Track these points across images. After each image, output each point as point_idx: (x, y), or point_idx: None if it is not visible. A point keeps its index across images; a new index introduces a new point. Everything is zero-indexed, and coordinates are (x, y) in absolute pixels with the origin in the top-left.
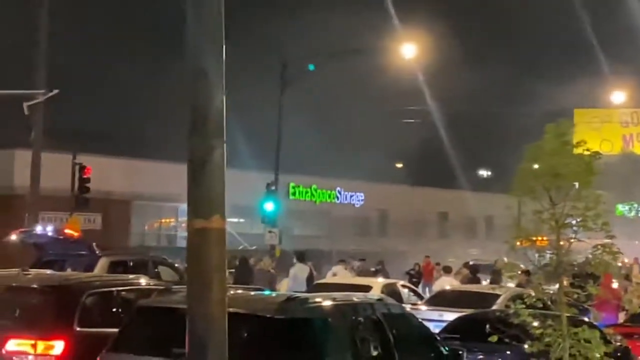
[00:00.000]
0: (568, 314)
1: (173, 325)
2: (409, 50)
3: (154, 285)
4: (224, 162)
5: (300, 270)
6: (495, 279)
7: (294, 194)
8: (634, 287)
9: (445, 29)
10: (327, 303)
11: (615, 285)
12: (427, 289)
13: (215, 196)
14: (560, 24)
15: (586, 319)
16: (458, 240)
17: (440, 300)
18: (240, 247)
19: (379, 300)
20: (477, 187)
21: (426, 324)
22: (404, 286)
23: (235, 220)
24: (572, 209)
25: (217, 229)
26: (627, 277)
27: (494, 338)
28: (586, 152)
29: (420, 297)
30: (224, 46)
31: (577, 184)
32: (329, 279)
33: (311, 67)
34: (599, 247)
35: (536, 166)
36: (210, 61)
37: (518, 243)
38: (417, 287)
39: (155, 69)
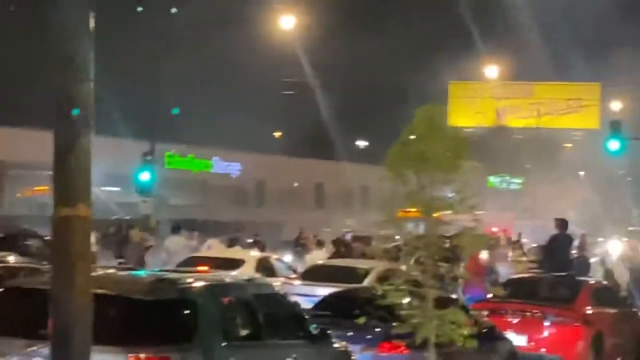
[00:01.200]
0: (436, 295)
1: (40, 306)
2: (288, 21)
3: (23, 263)
4: (90, 149)
5: (173, 242)
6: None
7: (170, 163)
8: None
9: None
10: (198, 284)
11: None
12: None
13: (81, 184)
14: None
15: (454, 297)
16: (334, 211)
17: (313, 275)
18: (115, 217)
19: (250, 280)
20: (354, 158)
21: (299, 299)
22: (278, 260)
23: (110, 188)
24: (441, 191)
25: (82, 217)
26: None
27: (361, 319)
28: (455, 134)
29: (294, 271)
30: (93, 29)
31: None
32: (203, 252)
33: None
34: (466, 230)
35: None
36: (78, 46)
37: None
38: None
39: (28, 32)
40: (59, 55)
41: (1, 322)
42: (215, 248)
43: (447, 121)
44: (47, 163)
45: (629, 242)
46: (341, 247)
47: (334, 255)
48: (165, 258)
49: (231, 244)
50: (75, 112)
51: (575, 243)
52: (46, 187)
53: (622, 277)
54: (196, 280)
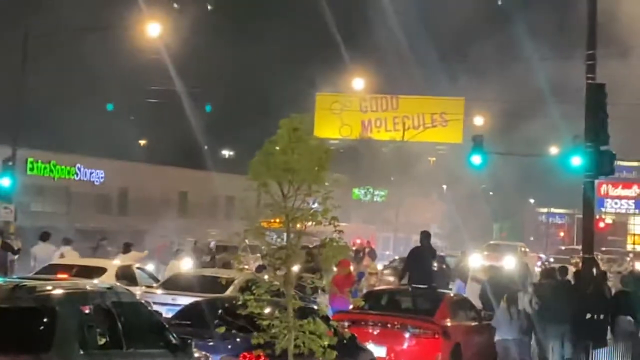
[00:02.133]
0: (297, 305)
1: None
2: (155, 28)
3: None
4: None
5: (41, 250)
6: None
7: (32, 169)
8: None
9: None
10: (56, 292)
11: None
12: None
13: None
14: (307, 8)
15: (315, 307)
16: (198, 220)
17: (175, 284)
18: None
19: (110, 288)
20: (219, 168)
21: (160, 308)
22: (139, 268)
23: None
24: (303, 202)
25: None
26: (358, 259)
27: (221, 329)
28: (321, 147)
29: (155, 279)
30: None
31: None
32: (59, 259)
33: None
34: (327, 241)
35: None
36: None
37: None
38: None
39: None
40: None
41: None
42: (68, 255)
43: (314, 132)
44: None
45: (489, 255)
46: (202, 256)
47: (199, 265)
48: (33, 265)
49: (125, 250)
50: None
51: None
52: None
53: (474, 291)
54: (55, 287)
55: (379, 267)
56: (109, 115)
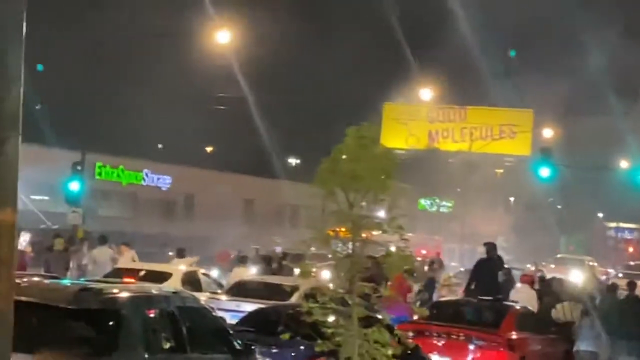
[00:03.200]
0: (361, 314)
1: None
2: (223, 36)
3: None
4: (17, 154)
5: (101, 254)
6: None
7: (100, 174)
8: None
9: (262, 14)
10: (122, 295)
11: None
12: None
13: (6, 188)
14: (376, 18)
15: (380, 317)
16: (263, 227)
17: (239, 290)
18: (43, 226)
19: (175, 293)
20: (285, 175)
21: (224, 314)
22: (204, 274)
23: (39, 197)
24: (369, 211)
25: (7, 222)
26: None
27: (285, 336)
28: (387, 156)
29: (220, 285)
30: (24, 27)
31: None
32: (128, 263)
33: None
34: (392, 251)
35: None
36: (7, 45)
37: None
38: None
39: None
40: None
41: None
42: (126, 255)
43: (380, 142)
44: None
45: (556, 269)
46: (271, 264)
47: (263, 272)
48: (92, 269)
49: (179, 255)
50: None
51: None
52: None
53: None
54: (121, 290)
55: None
56: (177, 121)
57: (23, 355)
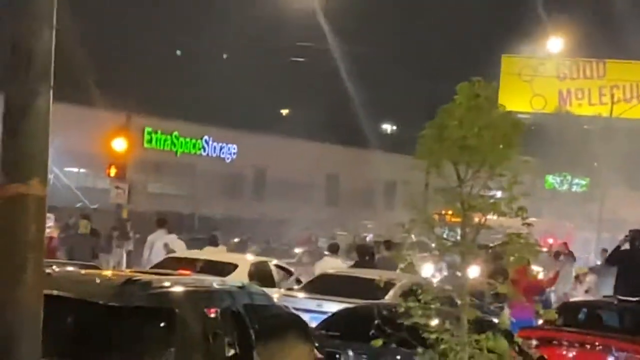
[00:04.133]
0: (473, 316)
1: None
2: None
3: None
4: (49, 112)
5: (159, 239)
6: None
7: (150, 141)
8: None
9: None
10: (176, 289)
11: (540, 275)
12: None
13: (35, 155)
14: None
15: (495, 321)
16: (350, 209)
17: (320, 286)
18: (79, 205)
19: (241, 287)
20: (378, 145)
21: (302, 315)
22: (277, 266)
23: (75, 170)
24: (484, 188)
25: (35, 196)
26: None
27: (377, 342)
28: (507, 120)
29: (296, 280)
30: None
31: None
32: (182, 252)
33: None
34: (513, 237)
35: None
36: None
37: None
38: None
39: None
40: None
41: None
42: (175, 247)
43: (497, 103)
44: None
45: None
46: (365, 255)
47: (357, 265)
48: (146, 258)
49: (211, 243)
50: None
51: None
52: None
53: None
54: (174, 284)
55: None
56: (244, 77)
57: None
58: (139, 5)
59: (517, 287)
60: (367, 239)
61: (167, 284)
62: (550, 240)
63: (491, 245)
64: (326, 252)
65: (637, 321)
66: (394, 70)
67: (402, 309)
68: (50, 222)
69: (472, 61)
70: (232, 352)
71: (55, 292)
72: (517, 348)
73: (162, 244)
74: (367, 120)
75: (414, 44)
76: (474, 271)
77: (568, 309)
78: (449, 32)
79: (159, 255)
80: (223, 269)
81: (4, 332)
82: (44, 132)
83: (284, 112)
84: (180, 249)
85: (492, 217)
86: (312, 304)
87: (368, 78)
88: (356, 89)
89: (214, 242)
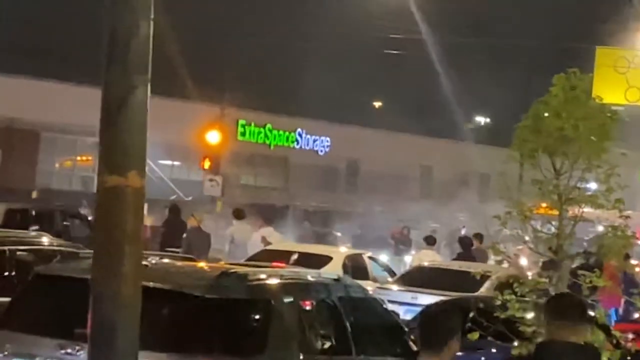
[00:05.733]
0: None
1: (77, 300)
2: None
3: (58, 246)
4: (147, 104)
5: (239, 231)
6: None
7: (243, 134)
8: None
9: None
10: (272, 281)
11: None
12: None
13: (134, 147)
14: None
15: (592, 314)
16: (444, 201)
17: (415, 279)
18: (173, 197)
19: (337, 280)
20: (472, 137)
21: (397, 307)
22: (371, 258)
23: (169, 163)
24: (581, 180)
25: (133, 188)
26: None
27: (474, 335)
28: (604, 112)
29: (391, 272)
30: None
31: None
32: (277, 245)
33: None
34: (610, 229)
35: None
36: None
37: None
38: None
39: None
40: None
41: (29, 317)
42: (272, 239)
43: (592, 94)
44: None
45: None
46: (465, 247)
47: (458, 258)
48: (228, 250)
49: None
50: None
51: None
52: (90, 157)
53: None
54: (270, 276)
55: None
56: (337, 69)
57: (149, 352)
58: None
59: (614, 280)
60: (462, 231)
61: (262, 276)
62: None
63: (586, 238)
64: (422, 244)
65: None
66: (488, 61)
67: (498, 302)
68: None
69: (566, 53)
70: (328, 343)
71: (151, 284)
72: (614, 341)
73: (246, 236)
74: (461, 111)
75: (507, 35)
76: (570, 264)
77: None
78: (544, 22)
79: (243, 248)
80: (317, 261)
81: (103, 325)
82: (142, 124)
83: (377, 104)
84: (277, 241)
85: (588, 210)
86: (407, 297)
87: (461, 69)
88: (449, 81)
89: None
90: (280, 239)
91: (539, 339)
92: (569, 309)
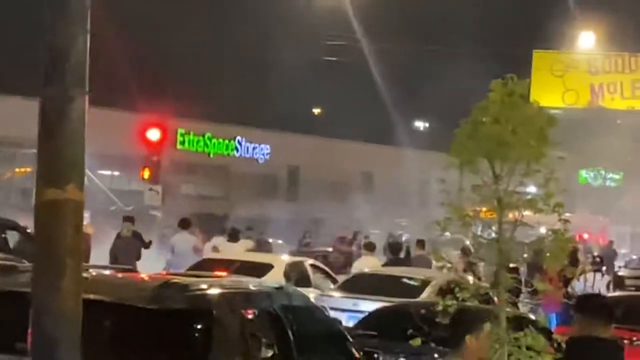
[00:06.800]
0: (511, 314)
1: (17, 314)
2: None
3: None
4: (84, 116)
5: (181, 241)
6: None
7: (182, 142)
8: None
9: None
10: (213, 291)
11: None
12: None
13: (72, 159)
14: None
15: (533, 317)
16: (385, 207)
17: (357, 285)
18: (113, 208)
19: (279, 288)
20: (412, 143)
21: (339, 314)
22: (313, 265)
23: (108, 173)
24: (520, 185)
25: (73, 201)
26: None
27: (416, 341)
28: (542, 116)
29: (333, 279)
30: None
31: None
32: (212, 254)
33: None
34: (549, 233)
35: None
36: None
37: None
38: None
39: None
40: (49, 0)
41: None
42: (224, 249)
43: (530, 98)
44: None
45: None
46: (399, 253)
47: (390, 263)
48: (171, 260)
49: (232, 238)
50: None
51: None
52: (29, 169)
53: None
54: (212, 286)
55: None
56: (275, 77)
57: None
58: (168, 7)
59: (554, 284)
60: (403, 237)
61: (204, 286)
62: (586, 236)
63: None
64: (363, 251)
65: None
66: (427, 68)
67: (439, 307)
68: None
69: (505, 57)
70: (270, 352)
71: (92, 297)
72: (555, 344)
73: (187, 246)
74: (400, 118)
75: (446, 41)
76: (510, 268)
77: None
78: (482, 27)
79: (185, 258)
80: (259, 269)
81: (43, 339)
82: (80, 136)
83: (317, 111)
84: (228, 250)
85: (528, 214)
86: (348, 304)
87: (400, 76)
88: (388, 87)
89: (234, 237)
90: (233, 249)
91: None
92: (597, 308)
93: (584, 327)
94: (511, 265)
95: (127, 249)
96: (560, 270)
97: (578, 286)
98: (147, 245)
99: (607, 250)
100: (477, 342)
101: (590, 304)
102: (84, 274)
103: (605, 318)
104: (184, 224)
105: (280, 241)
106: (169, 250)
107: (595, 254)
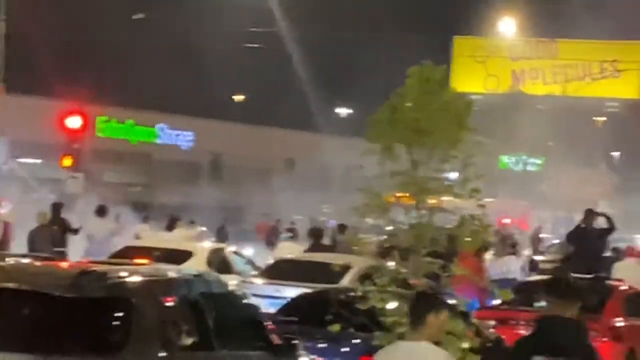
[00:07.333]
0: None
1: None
2: None
3: None
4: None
5: (98, 228)
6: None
7: (103, 130)
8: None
9: None
10: (132, 279)
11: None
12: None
13: None
14: None
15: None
16: (307, 193)
17: (278, 272)
18: (36, 196)
19: (198, 276)
20: (334, 129)
21: (260, 301)
22: (235, 252)
23: (30, 161)
24: (438, 171)
25: None
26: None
27: (335, 327)
28: (459, 102)
29: (254, 266)
30: None
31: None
32: (135, 241)
33: None
34: (465, 218)
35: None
36: None
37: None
38: None
39: None
40: None
41: None
42: (147, 237)
43: (450, 85)
44: None
45: None
46: (320, 240)
47: (312, 249)
48: (88, 248)
49: (170, 227)
50: None
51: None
52: None
53: None
54: (131, 274)
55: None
56: (198, 64)
57: (6, 354)
58: None
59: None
60: (329, 223)
61: (123, 274)
62: (507, 220)
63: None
64: (284, 237)
65: (593, 298)
66: (349, 55)
67: (359, 293)
68: (5, 208)
69: (427, 44)
70: (189, 340)
71: (9, 285)
72: (474, 329)
73: (105, 233)
74: (323, 104)
75: (369, 28)
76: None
77: (524, 289)
78: (403, 14)
79: (103, 245)
80: (180, 257)
81: None
82: None
83: (239, 97)
84: (148, 236)
85: (448, 199)
86: (270, 290)
87: (323, 63)
88: (311, 74)
89: (171, 226)
90: (156, 236)
91: (400, 329)
92: (566, 292)
93: (553, 308)
94: (434, 250)
95: (47, 237)
96: (476, 253)
97: (493, 269)
98: (75, 232)
99: (532, 235)
100: (437, 320)
101: (560, 288)
102: (1, 263)
103: (572, 301)
104: (101, 211)
105: (204, 228)
106: (87, 238)
107: (515, 238)
